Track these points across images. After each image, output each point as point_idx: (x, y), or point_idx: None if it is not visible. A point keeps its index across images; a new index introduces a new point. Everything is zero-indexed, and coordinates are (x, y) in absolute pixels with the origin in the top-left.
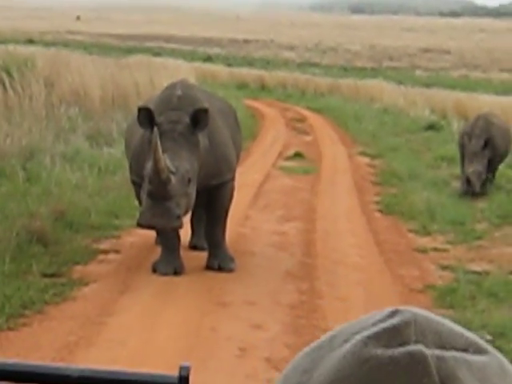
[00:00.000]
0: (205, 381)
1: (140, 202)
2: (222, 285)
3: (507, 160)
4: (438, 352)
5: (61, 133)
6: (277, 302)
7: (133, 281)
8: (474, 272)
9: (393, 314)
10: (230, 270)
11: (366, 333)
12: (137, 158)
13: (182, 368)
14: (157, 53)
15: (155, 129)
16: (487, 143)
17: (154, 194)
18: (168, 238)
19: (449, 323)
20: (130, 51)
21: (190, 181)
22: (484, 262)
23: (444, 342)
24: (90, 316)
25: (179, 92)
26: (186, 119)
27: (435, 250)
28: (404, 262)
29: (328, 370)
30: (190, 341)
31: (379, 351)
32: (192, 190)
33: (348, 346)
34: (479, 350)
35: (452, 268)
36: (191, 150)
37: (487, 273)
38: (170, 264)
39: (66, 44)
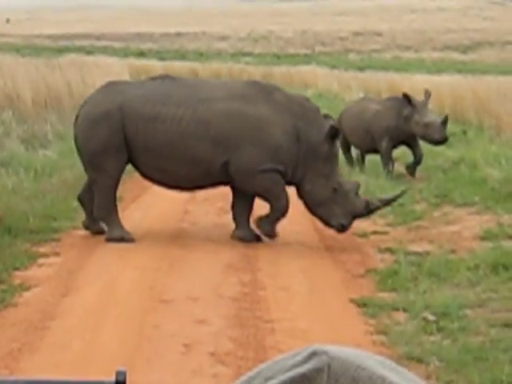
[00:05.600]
0: (150, 380)
1: (281, 190)
2: (163, 282)
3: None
4: None
5: None
6: (219, 296)
7: (74, 283)
8: (415, 253)
9: (309, 357)
10: None
11: (275, 381)
12: (285, 146)
13: (118, 373)
14: (89, 51)
15: None
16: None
17: None
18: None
19: (373, 367)
20: (61, 51)
21: None
22: (424, 243)
23: None
24: (32, 321)
25: None
26: None
27: (375, 233)
28: (345, 247)
29: None
30: (133, 340)
31: None
32: None
33: None
34: None
35: (392, 250)
36: None
37: (428, 253)
38: (122, 231)
39: None
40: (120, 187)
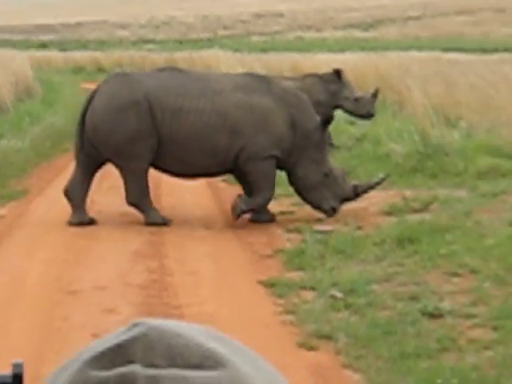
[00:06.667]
0: None
1: (274, 178)
2: (71, 273)
3: (347, 117)
4: (153, 372)
5: None
6: (127, 284)
7: None
8: (322, 231)
9: (128, 329)
10: None
11: (91, 353)
12: (286, 135)
13: (14, 365)
14: None
15: None
16: None
17: None
18: None
19: (192, 335)
20: None
21: None
22: (330, 221)
23: (175, 357)
24: None
25: None
26: None
27: (281, 213)
28: (252, 229)
29: None
30: (42, 333)
31: (94, 373)
32: None
33: (75, 366)
34: (216, 364)
35: (299, 230)
36: None
37: (334, 231)
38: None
39: None
40: (25, 181)
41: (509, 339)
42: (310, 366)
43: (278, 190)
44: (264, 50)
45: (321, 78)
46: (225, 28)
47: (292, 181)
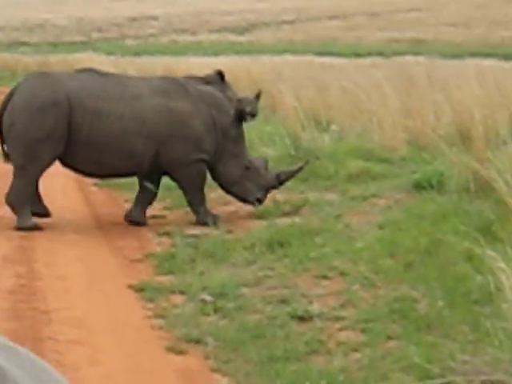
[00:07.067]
0: None
1: (203, 181)
2: None
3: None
4: None
5: None
6: None
7: None
8: (192, 235)
9: None
10: None
11: None
12: (204, 137)
13: None
14: None
15: None
16: None
17: None
18: None
19: None
20: None
21: None
22: (201, 225)
23: None
24: None
25: None
26: None
27: (153, 217)
28: (122, 233)
29: None
30: None
31: None
32: None
33: None
34: None
35: (170, 234)
36: None
37: (204, 235)
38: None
39: None
40: None
41: (376, 342)
42: (179, 370)
43: None
44: (137, 54)
45: (203, 79)
46: (99, 31)
47: (214, 177)
